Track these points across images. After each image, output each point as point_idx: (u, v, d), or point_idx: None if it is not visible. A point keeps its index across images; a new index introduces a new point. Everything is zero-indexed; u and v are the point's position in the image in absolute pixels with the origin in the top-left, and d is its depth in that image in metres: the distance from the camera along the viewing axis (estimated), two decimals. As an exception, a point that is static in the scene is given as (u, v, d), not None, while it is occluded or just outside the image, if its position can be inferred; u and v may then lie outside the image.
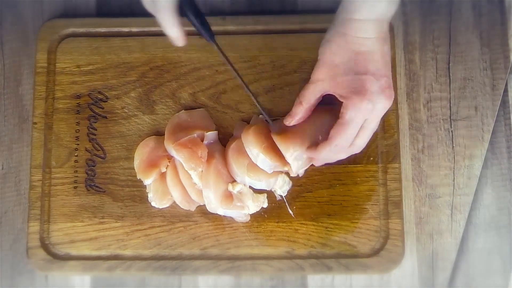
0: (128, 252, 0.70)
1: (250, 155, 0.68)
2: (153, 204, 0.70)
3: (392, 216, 0.69)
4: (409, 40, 0.74)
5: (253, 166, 0.68)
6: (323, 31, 0.71)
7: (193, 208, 0.70)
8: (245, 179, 0.69)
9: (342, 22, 0.59)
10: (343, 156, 0.63)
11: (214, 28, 0.72)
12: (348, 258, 0.69)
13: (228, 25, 0.74)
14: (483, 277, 0.70)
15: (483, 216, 0.71)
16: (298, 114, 0.64)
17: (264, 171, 0.68)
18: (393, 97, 0.60)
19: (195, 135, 0.69)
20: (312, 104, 0.63)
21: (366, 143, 0.62)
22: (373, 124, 0.60)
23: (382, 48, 0.59)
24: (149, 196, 0.70)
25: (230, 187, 0.69)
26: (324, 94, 0.61)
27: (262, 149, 0.68)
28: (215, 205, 0.68)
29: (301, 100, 0.63)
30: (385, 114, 0.60)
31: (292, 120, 0.64)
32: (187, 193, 0.69)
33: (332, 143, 0.61)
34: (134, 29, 0.74)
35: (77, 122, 0.72)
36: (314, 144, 0.65)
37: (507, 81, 0.73)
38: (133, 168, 0.71)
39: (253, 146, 0.68)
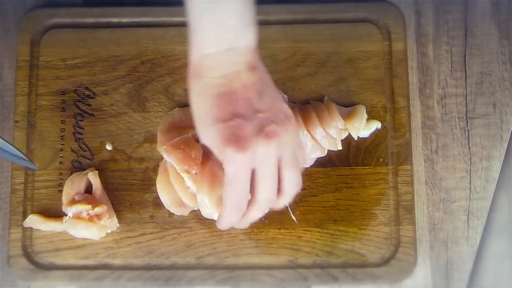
0: (117, 261, 0.67)
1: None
2: None
3: (403, 222, 0.67)
4: (421, 32, 0.72)
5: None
6: (330, 21, 0.71)
7: (186, 213, 0.67)
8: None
9: (194, 62, 0.53)
10: (256, 215, 0.56)
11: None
12: (355, 268, 0.66)
13: (226, 15, 0.71)
14: (496, 284, 0.69)
15: (496, 221, 0.69)
16: None
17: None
18: (280, 132, 0.52)
19: (189, 134, 0.66)
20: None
21: (273, 194, 0.54)
22: (268, 172, 0.53)
23: (249, 80, 0.52)
24: None
25: None
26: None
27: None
28: (211, 211, 0.64)
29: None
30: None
31: None
32: (178, 197, 0.66)
33: (226, 208, 0.54)
34: (124, 20, 0.72)
35: (62, 121, 0.70)
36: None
37: (528, 76, 0.71)
38: (123, 170, 0.69)
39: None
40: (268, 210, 0.57)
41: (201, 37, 0.52)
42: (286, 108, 0.55)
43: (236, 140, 0.51)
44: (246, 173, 0.52)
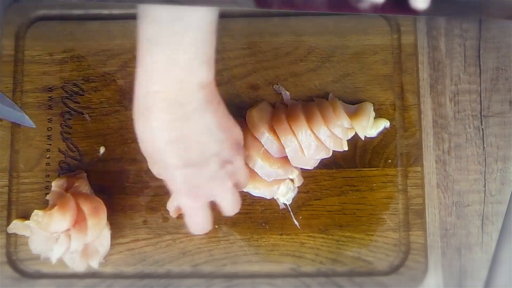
0: (108, 269, 0.65)
1: (247, 160, 0.63)
2: None
3: (413, 227, 0.66)
4: (433, 24, 0.70)
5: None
6: (335, 13, 0.67)
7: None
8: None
9: (140, 99, 0.50)
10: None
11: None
12: (362, 276, 0.65)
13: (224, 7, 0.69)
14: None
15: (509, 225, 0.67)
16: None
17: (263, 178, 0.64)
18: (232, 167, 0.54)
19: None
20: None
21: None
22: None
23: (200, 121, 0.50)
24: None
25: None
26: None
27: (261, 153, 0.63)
28: None
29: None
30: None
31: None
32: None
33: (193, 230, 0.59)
34: (115, 11, 0.70)
35: (49, 119, 0.68)
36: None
37: (545, 71, 0.69)
38: (114, 172, 0.66)
39: (250, 149, 0.63)
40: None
41: (149, 72, 0.48)
42: (237, 132, 0.54)
43: (189, 189, 0.53)
44: (200, 209, 0.55)
